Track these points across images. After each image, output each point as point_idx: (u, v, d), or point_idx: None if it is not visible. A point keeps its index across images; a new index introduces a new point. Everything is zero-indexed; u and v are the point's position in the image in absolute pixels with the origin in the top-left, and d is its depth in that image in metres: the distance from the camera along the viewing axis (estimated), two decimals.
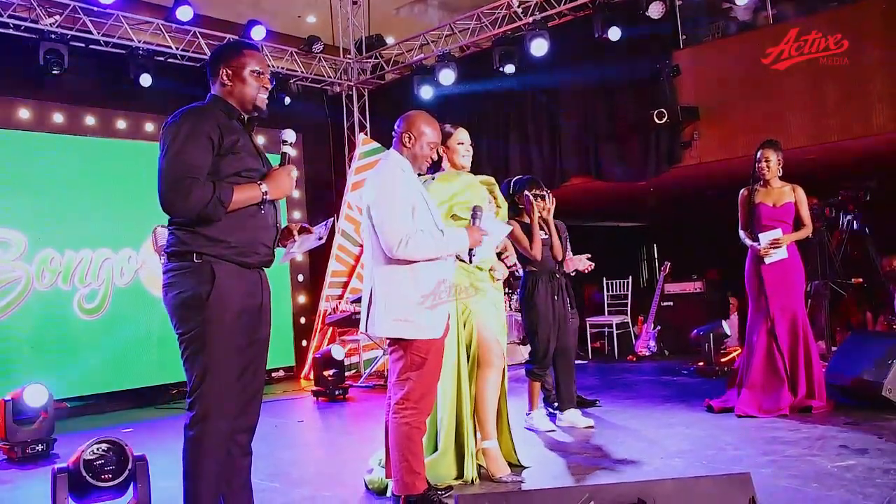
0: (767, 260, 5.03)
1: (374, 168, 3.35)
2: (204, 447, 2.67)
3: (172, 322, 2.75)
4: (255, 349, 2.85)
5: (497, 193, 4.17)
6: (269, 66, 2.96)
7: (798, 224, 5.11)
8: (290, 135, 2.98)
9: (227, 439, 2.75)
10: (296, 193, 9.65)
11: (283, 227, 3.00)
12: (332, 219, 3.05)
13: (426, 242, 3.12)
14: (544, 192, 5.01)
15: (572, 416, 5.11)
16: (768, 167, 5.11)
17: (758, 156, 5.14)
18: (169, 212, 2.69)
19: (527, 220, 4.99)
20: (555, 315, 4.98)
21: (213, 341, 2.67)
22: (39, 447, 5.10)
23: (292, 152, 2.96)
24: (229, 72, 2.85)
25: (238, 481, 2.85)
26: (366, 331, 3.28)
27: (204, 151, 2.68)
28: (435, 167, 3.87)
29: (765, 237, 5.04)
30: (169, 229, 2.78)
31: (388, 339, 3.26)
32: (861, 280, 7.45)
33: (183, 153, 2.65)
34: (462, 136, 3.98)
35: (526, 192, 4.93)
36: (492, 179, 4.19)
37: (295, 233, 2.99)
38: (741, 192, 5.26)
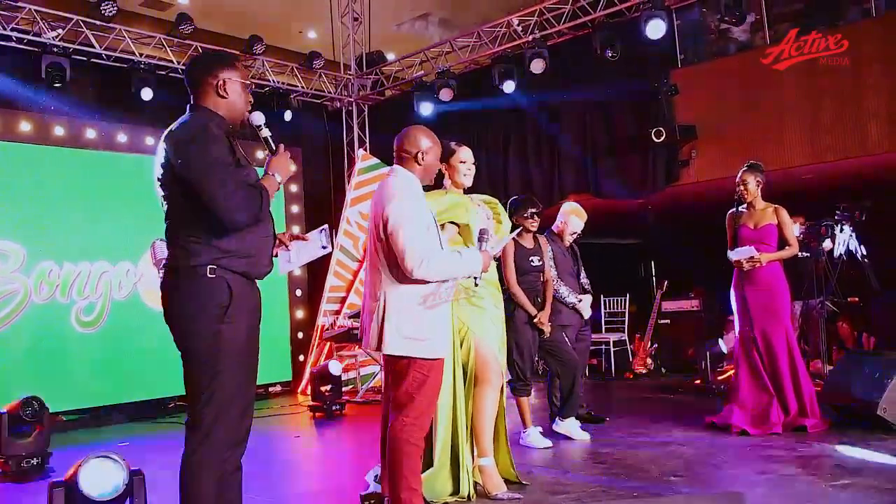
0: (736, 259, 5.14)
1: (385, 186, 3.20)
2: (207, 469, 2.59)
3: (183, 338, 2.64)
4: (253, 364, 2.80)
5: (500, 211, 4.17)
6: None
7: (782, 245, 5.16)
8: (259, 117, 2.87)
9: (226, 458, 2.67)
10: (294, 208, 9.69)
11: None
12: (326, 226, 2.99)
13: (443, 262, 3.09)
14: (540, 209, 5.09)
15: (570, 426, 5.20)
16: (746, 190, 5.20)
17: (737, 179, 5.24)
18: (234, 225, 2.59)
19: (524, 241, 5.05)
20: (534, 335, 5.03)
21: (228, 359, 2.60)
22: (35, 461, 5.06)
23: (269, 133, 2.88)
24: (224, 83, 2.76)
25: (229, 496, 2.73)
26: (366, 347, 3.27)
27: (233, 160, 2.65)
28: (437, 184, 3.88)
29: (735, 253, 5.15)
30: (173, 242, 2.68)
31: (386, 355, 3.19)
32: (857, 299, 7.47)
33: (227, 165, 2.59)
34: (464, 154, 3.94)
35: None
36: (494, 200, 4.20)
37: (287, 242, 2.94)
38: (728, 213, 5.36)
